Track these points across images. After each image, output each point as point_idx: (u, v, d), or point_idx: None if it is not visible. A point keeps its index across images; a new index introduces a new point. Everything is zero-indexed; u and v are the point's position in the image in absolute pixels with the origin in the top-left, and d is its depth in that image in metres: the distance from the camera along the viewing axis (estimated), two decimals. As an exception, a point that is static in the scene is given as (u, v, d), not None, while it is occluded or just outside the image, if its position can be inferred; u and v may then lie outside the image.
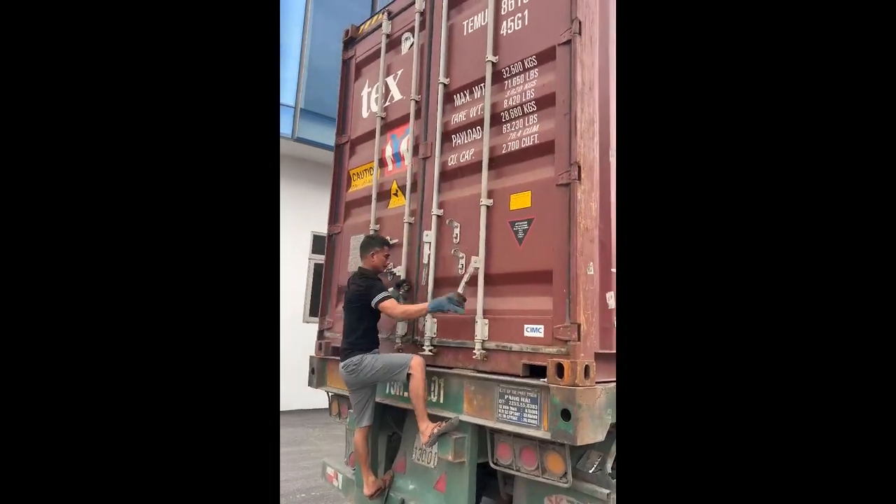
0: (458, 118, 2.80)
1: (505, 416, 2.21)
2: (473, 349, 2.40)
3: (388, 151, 3.27)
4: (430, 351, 2.62)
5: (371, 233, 3.18)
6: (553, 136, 2.29)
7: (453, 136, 2.83)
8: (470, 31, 2.83)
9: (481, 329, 2.39)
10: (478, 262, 2.45)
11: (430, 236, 2.76)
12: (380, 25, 3.47)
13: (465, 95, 2.81)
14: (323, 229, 8.32)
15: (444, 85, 2.87)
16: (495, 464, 2.31)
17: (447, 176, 2.82)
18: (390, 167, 3.26)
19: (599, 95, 2.31)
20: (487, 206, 2.50)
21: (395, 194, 3.17)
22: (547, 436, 2.02)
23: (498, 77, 2.62)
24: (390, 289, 2.82)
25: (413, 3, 3.20)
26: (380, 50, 3.43)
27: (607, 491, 2.07)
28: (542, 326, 2.17)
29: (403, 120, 3.17)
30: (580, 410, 1.94)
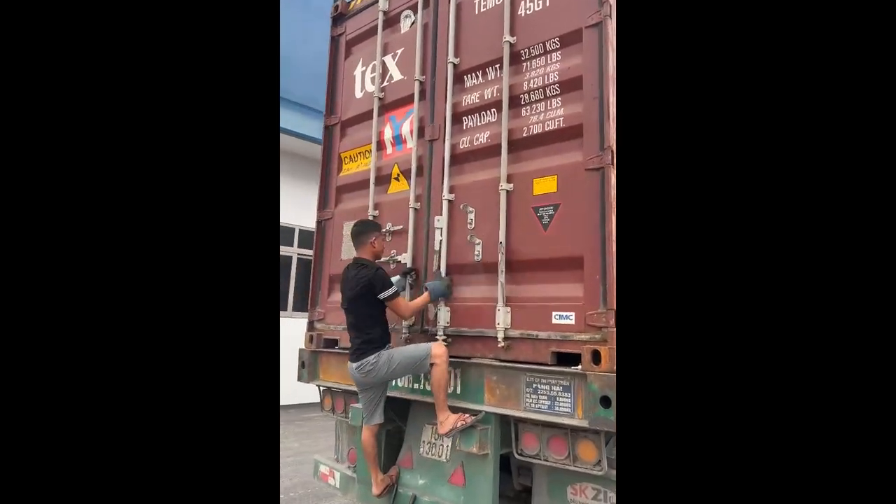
0: (471, 100, 2.71)
1: (534, 405, 2.16)
2: (495, 338, 2.33)
3: (388, 134, 3.12)
4: (445, 341, 2.52)
5: (366, 219, 3.02)
6: (581, 120, 2.25)
7: (464, 118, 2.73)
8: (482, 10, 2.73)
9: (504, 317, 2.32)
10: (500, 248, 2.38)
11: (441, 221, 2.65)
12: (375, 1, 3.30)
13: (476, 77, 2.71)
14: (285, 217, 8.05)
15: (454, 65, 2.77)
16: (519, 454, 2.26)
17: (458, 159, 2.72)
18: (390, 150, 3.12)
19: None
20: (507, 191, 2.43)
21: (397, 178, 3.03)
22: (584, 423, 1.99)
23: (515, 59, 2.54)
24: (395, 277, 2.68)
25: (415, -21, 3.06)
26: (375, 27, 3.27)
27: (637, 477, 2.06)
28: (572, 313, 2.13)
29: (405, 101, 3.04)
30: (615, 396, 1.91)
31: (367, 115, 3.25)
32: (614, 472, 2.06)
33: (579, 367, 2.07)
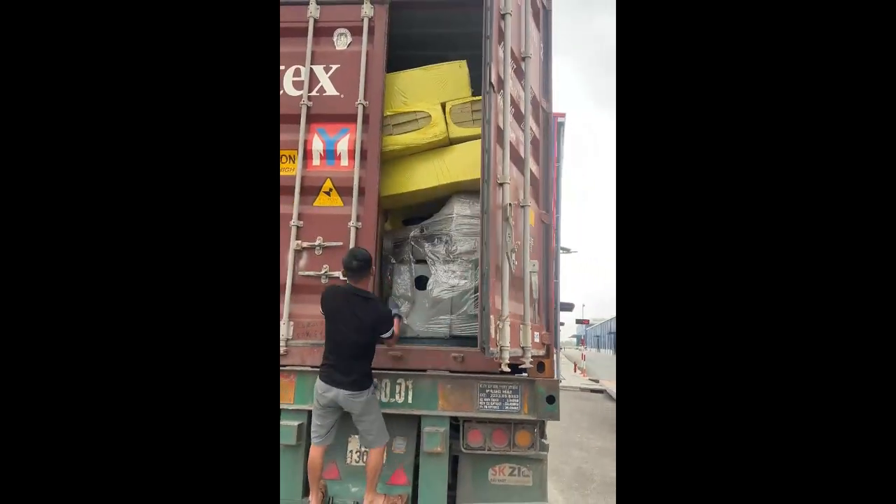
0: (516, 90, 2.72)
1: (487, 406, 2.68)
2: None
3: (316, 145, 3.08)
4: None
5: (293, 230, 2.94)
6: (539, 178, 2.92)
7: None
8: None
9: (527, 335, 2.48)
10: (534, 266, 2.64)
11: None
12: (302, 2, 3.19)
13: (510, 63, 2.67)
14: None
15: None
16: (465, 448, 2.72)
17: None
18: (317, 162, 3.08)
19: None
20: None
21: (328, 193, 3.03)
22: (532, 417, 2.64)
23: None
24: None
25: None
26: (300, 29, 3.16)
27: (545, 453, 2.82)
28: (536, 333, 2.73)
29: (338, 118, 3.08)
30: (558, 395, 2.65)
31: (284, 118, 3.10)
32: (541, 452, 2.77)
33: (524, 374, 2.71)
